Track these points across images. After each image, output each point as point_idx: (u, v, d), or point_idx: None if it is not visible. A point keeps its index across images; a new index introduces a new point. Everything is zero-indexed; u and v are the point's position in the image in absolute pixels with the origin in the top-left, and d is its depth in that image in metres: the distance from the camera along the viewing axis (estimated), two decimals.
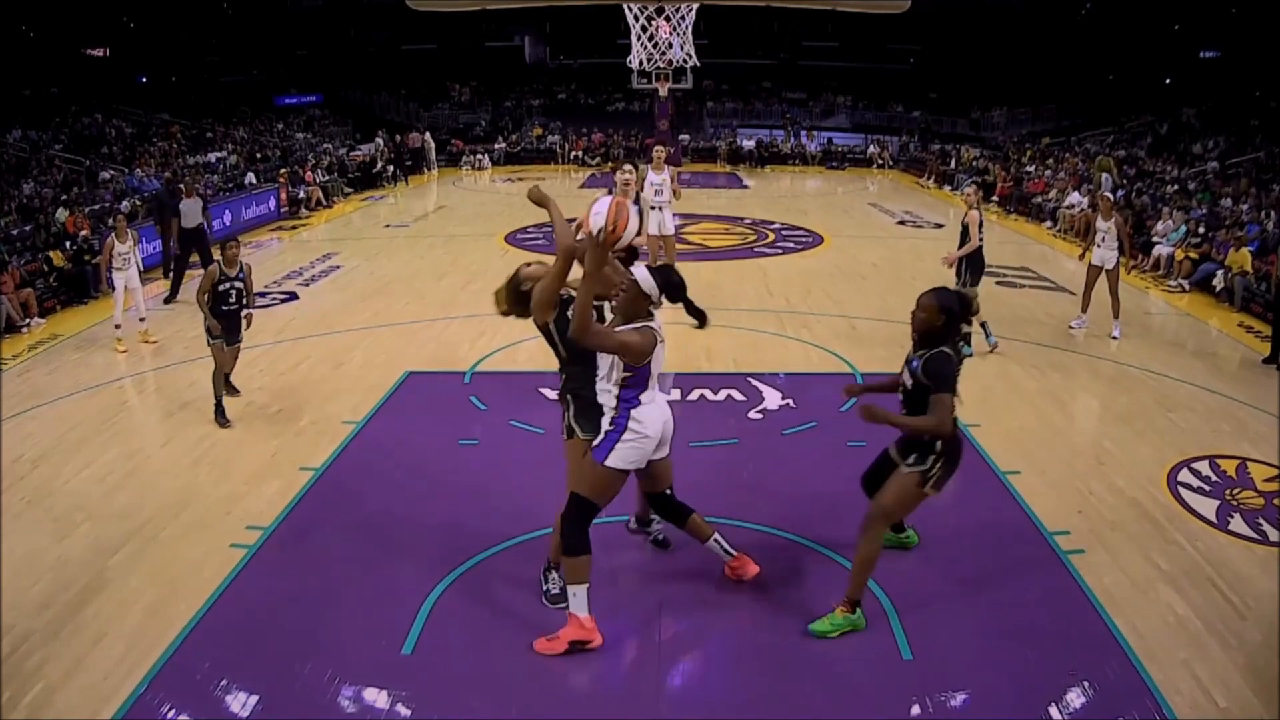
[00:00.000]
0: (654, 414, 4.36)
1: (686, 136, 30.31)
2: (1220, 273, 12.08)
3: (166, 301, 11.75)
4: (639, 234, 9.26)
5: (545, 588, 4.84)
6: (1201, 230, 13.77)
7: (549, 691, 4.22)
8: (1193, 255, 13.14)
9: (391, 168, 24.89)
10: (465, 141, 29.58)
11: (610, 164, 24.96)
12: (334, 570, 5.18)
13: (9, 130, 17.97)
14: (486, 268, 13.04)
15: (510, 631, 4.57)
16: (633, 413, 4.29)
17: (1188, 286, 12.61)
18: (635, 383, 4.28)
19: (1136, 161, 20.07)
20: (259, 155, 22.38)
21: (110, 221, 12.28)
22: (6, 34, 21.70)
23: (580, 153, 29.40)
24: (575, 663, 4.36)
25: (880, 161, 28.89)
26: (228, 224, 16.43)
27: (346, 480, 6.37)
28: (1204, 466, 6.57)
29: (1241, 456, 6.72)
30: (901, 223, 18.33)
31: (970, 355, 8.95)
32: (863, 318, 10.51)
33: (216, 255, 7.69)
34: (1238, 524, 5.74)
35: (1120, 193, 17.10)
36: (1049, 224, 18.07)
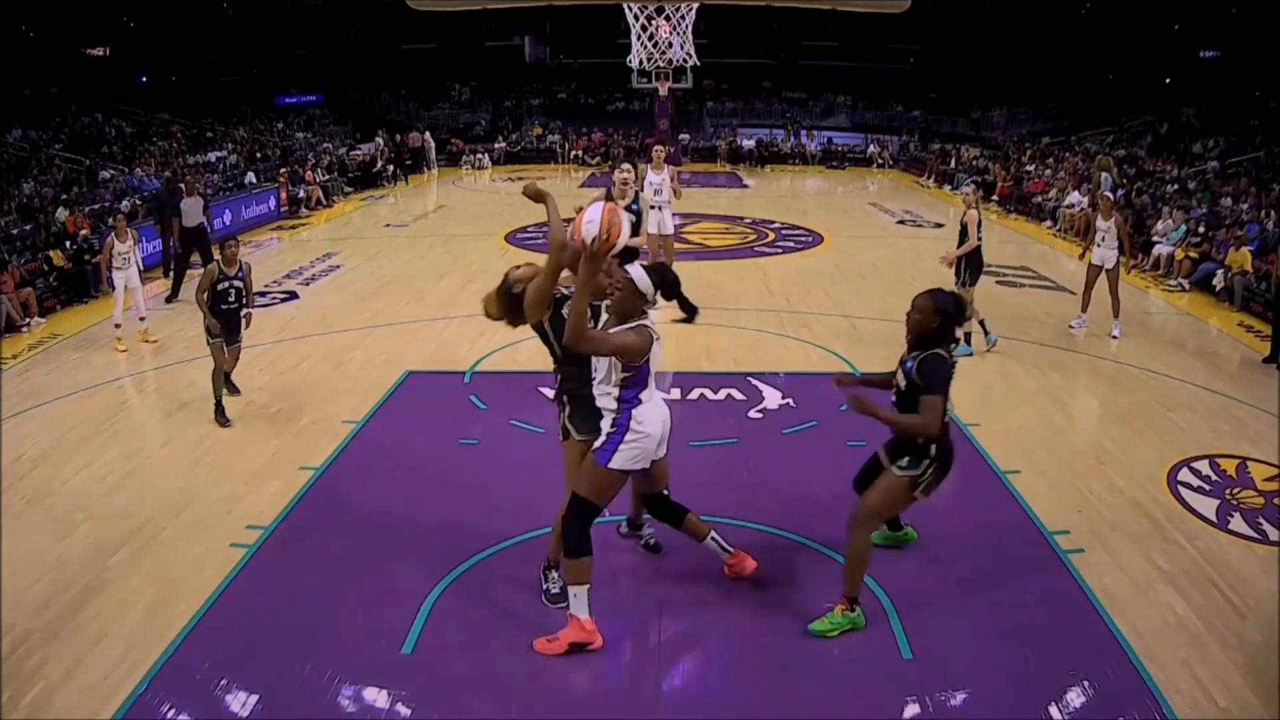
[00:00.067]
0: (654, 413, 4.36)
1: (686, 136, 30.32)
2: (1220, 272, 12.08)
3: (168, 301, 11.75)
4: (638, 234, 9.32)
5: (545, 587, 4.84)
6: (1201, 230, 13.77)
7: (549, 691, 4.22)
8: (1193, 255, 13.13)
9: (391, 167, 24.89)
10: (465, 141, 29.58)
11: (610, 163, 24.93)
12: (334, 570, 5.17)
13: (9, 130, 17.97)
14: (486, 267, 13.03)
15: (510, 631, 4.57)
16: (633, 412, 4.29)
17: (1188, 286, 12.61)
18: (635, 382, 4.28)
19: (1136, 161, 20.07)
20: (259, 155, 22.38)
21: (110, 221, 12.28)
22: (6, 34, 21.70)
23: (580, 152, 29.40)
24: (575, 663, 4.36)
25: (880, 161, 28.89)
26: (228, 223, 16.43)
27: (346, 480, 6.37)
28: (1204, 466, 6.57)
29: (1241, 456, 6.72)
30: (901, 222, 18.33)
31: (970, 354, 8.97)
32: (863, 317, 10.52)
33: (217, 255, 7.69)
34: (1238, 523, 5.74)
35: (1120, 192, 17.10)
36: (1049, 223, 18.08)
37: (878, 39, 30.69)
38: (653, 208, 10.47)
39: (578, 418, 4.51)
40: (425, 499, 6.04)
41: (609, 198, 9.07)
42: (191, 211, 12.68)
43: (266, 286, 12.20)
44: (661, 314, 4.45)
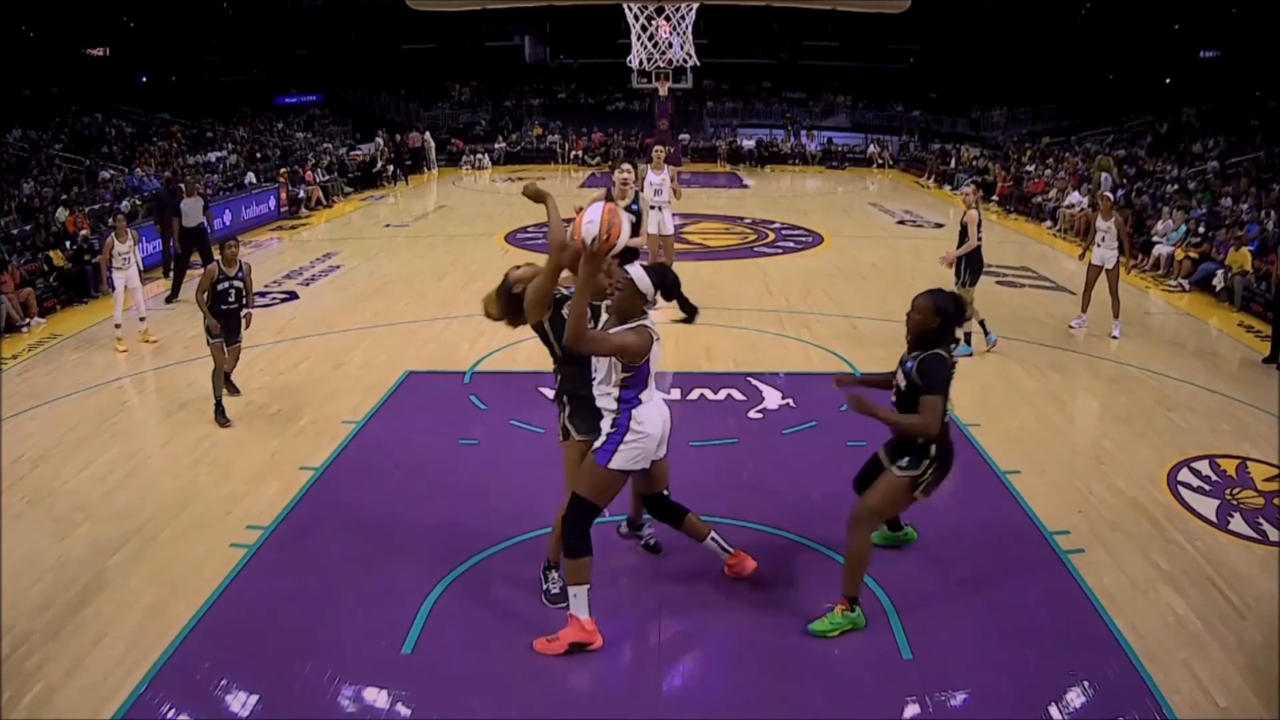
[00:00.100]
0: (654, 413, 4.36)
1: (686, 136, 30.32)
2: (1220, 272, 12.08)
3: (168, 301, 11.76)
4: (638, 234, 9.31)
5: (545, 587, 4.84)
6: (1201, 230, 13.77)
7: (549, 691, 4.22)
8: (1193, 255, 13.13)
9: (391, 167, 24.89)
10: (465, 141, 29.59)
11: (609, 164, 24.94)
12: (334, 570, 5.17)
13: (9, 130, 17.97)
14: (486, 267, 13.03)
15: (510, 631, 4.57)
16: (634, 412, 4.29)
17: (1188, 286, 12.61)
18: (635, 382, 4.28)
19: (1136, 161, 20.07)
20: (259, 155, 22.39)
21: (110, 221, 12.28)
22: (6, 34, 21.70)
23: (580, 152, 29.40)
24: (575, 663, 4.36)
25: (880, 161, 28.90)
26: (228, 224, 16.43)
27: (346, 480, 6.37)
28: (1204, 466, 6.57)
29: (1241, 456, 6.72)
30: (901, 222, 18.33)
31: (970, 354, 8.97)
32: (863, 318, 10.52)
33: (216, 255, 7.69)
34: (1238, 524, 5.74)
35: (1120, 192, 17.10)
36: (1049, 224, 18.08)
37: (878, 39, 30.69)
38: (653, 208, 10.47)
39: (578, 418, 4.50)
40: (425, 499, 6.04)
41: (609, 198, 9.08)
42: (192, 212, 12.68)
43: (266, 287, 12.20)
44: (661, 314, 4.45)
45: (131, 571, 5.20)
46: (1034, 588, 4.98)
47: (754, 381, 8.22)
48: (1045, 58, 27.63)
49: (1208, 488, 6.25)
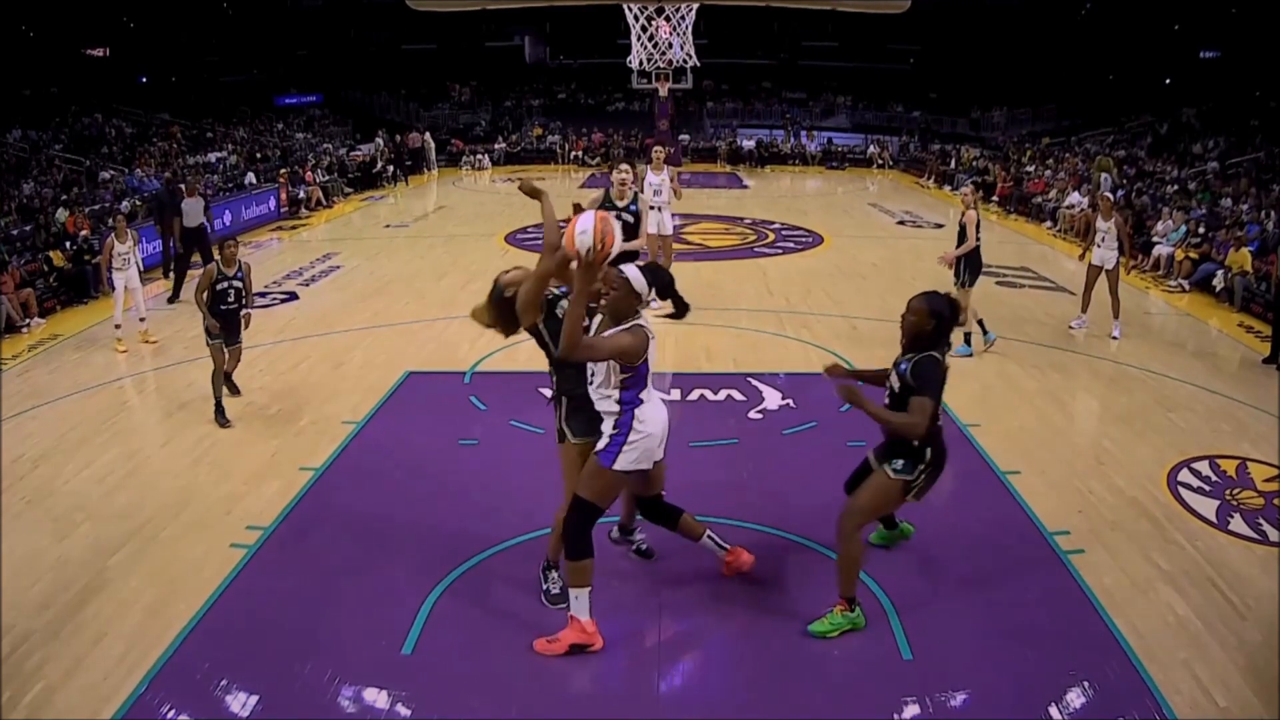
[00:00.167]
0: (655, 412, 4.36)
1: (686, 136, 30.32)
2: (1220, 273, 12.08)
3: (170, 301, 11.76)
4: (637, 235, 9.31)
5: (545, 587, 4.84)
6: (1201, 230, 13.77)
7: (549, 692, 4.22)
8: (1193, 255, 13.14)
9: (391, 168, 24.89)
10: (465, 141, 29.59)
11: (609, 164, 24.95)
12: (334, 570, 5.17)
13: (9, 130, 17.97)
14: (486, 268, 13.01)
15: (510, 632, 4.57)
16: (636, 412, 4.28)
17: (1188, 286, 12.61)
18: (634, 383, 4.28)
19: (1136, 161, 20.07)
20: (259, 155, 22.39)
21: (110, 221, 12.28)
22: (6, 34, 21.70)
23: (580, 153, 29.40)
24: (575, 663, 4.36)
25: (880, 161, 28.90)
26: (228, 224, 16.44)
27: (346, 480, 6.37)
28: (1204, 466, 6.57)
29: (1241, 456, 6.72)
30: (901, 223, 18.33)
31: (970, 354, 8.98)
32: (863, 318, 10.52)
33: (217, 255, 7.70)
34: (1238, 524, 5.74)
35: (1120, 193, 17.10)
36: (1049, 224, 18.08)
37: (878, 39, 30.68)
38: (652, 208, 10.46)
39: (574, 420, 4.50)
40: (425, 499, 6.04)
41: (607, 198, 9.09)
42: (192, 212, 12.70)
43: (266, 287, 12.20)
44: (652, 312, 4.43)
45: (131, 571, 5.21)
46: (1034, 588, 4.98)
47: (754, 382, 8.22)
48: (1045, 58, 27.63)
49: (1208, 488, 6.25)
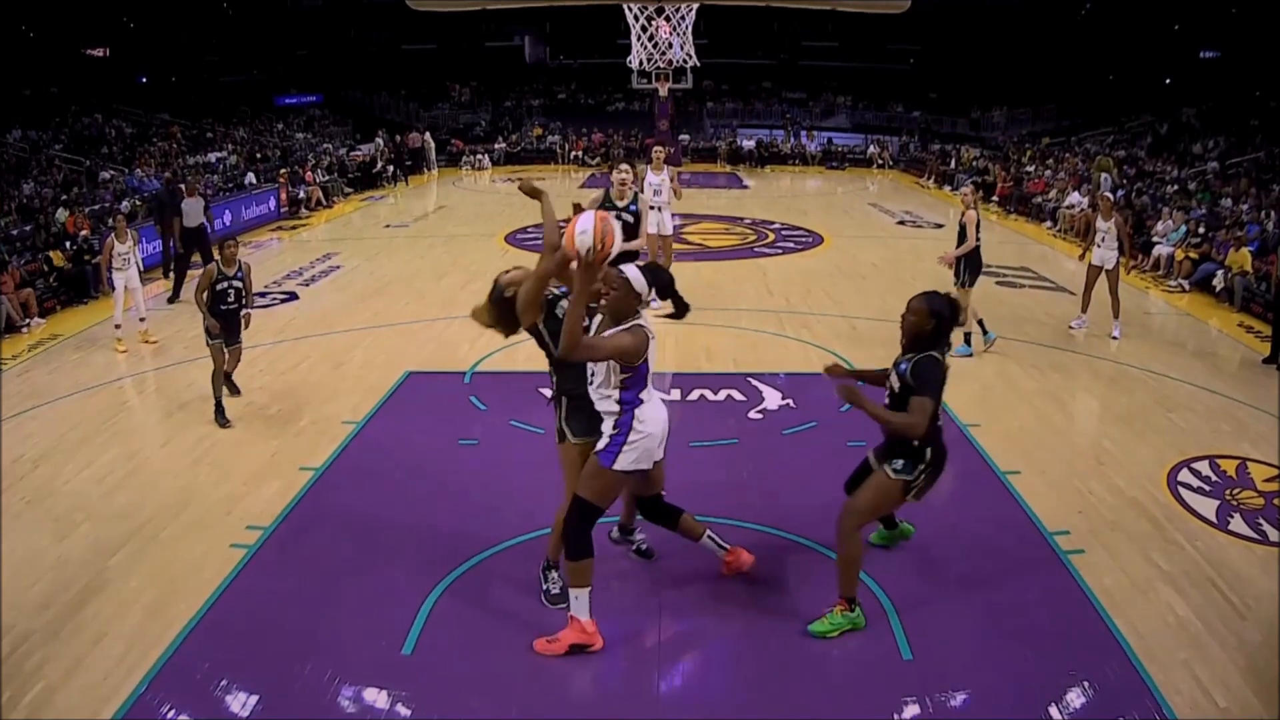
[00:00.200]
0: (655, 411, 4.36)
1: (686, 136, 30.32)
2: (1220, 273, 12.08)
3: (170, 301, 11.76)
4: (637, 236, 9.30)
5: (545, 587, 4.84)
6: (1201, 230, 13.77)
7: (549, 692, 4.22)
8: (1193, 255, 13.13)
9: (391, 168, 24.89)
10: (465, 141, 29.59)
11: (609, 164, 24.96)
12: (334, 570, 5.17)
13: (9, 130, 17.97)
14: (486, 268, 13.01)
15: (510, 632, 4.57)
16: (636, 412, 4.28)
17: (1188, 286, 12.61)
18: (634, 382, 4.27)
19: (1136, 161, 20.07)
20: (259, 155, 22.39)
21: (110, 221, 12.28)
22: (6, 34, 21.70)
23: (580, 153, 29.40)
24: (575, 663, 4.36)
25: (880, 161, 28.90)
26: (228, 224, 16.44)
27: (346, 480, 6.37)
28: (1204, 466, 6.57)
29: (1241, 456, 6.72)
30: (901, 223, 18.33)
31: (970, 354, 8.98)
32: (863, 318, 10.52)
33: (217, 255, 7.70)
34: (1238, 524, 5.74)
35: (1120, 193, 17.10)
36: (1049, 224, 18.08)
37: (878, 39, 30.69)
38: (652, 208, 10.46)
39: (574, 420, 4.50)
40: (425, 499, 6.04)
41: (607, 198, 9.08)
42: (193, 211, 12.71)
43: (266, 287, 12.20)
44: (652, 311, 4.43)
45: (131, 571, 5.21)
46: (1034, 588, 4.98)
47: (754, 382, 8.22)
48: (1045, 58, 27.63)
49: (1208, 488, 6.25)
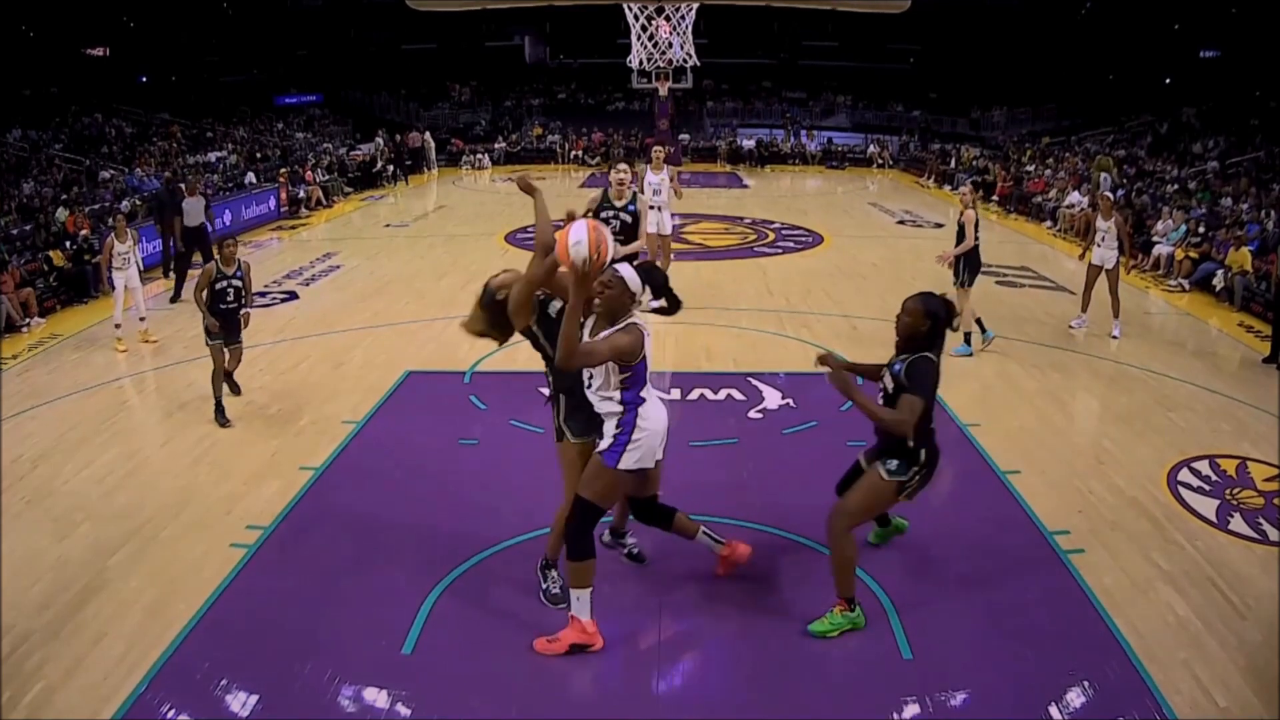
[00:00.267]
0: (656, 410, 4.36)
1: (686, 136, 30.33)
2: (1220, 272, 12.08)
3: (172, 301, 11.76)
4: (636, 237, 9.29)
5: (544, 587, 4.84)
6: (1201, 230, 13.77)
7: (549, 692, 4.22)
8: (1193, 255, 13.13)
9: (391, 167, 24.89)
10: (465, 141, 29.59)
11: (609, 163, 24.98)
12: (334, 570, 5.17)
13: (9, 130, 17.97)
14: (486, 268, 12.86)
15: (510, 632, 4.57)
16: (639, 410, 4.28)
17: (1188, 286, 12.61)
18: (634, 382, 4.27)
19: (1136, 161, 20.07)
20: (259, 155, 22.39)
21: (110, 221, 12.28)
22: (6, 34, 21.70)
23: (580, 152, 29.41)
24: (575, 663, 4.36)
25: (880, 161, 28.90)
26: (228, 223, 16.43)
27: (346, 480, 6.37)
28: (1204, 466, 6.57)
29: (1241, 456, 6.72)
30: (901, 222, 18.33)
31: (970, 354, 8.98)
32: (863, 318, 10.52)
33: (216, 254, 7.70)
34: (1238, 524, 5.74)
35: (1120, 192, 17.11)
36: (1049, 224, 18.08)
37: (878, 39, 30.69)
38: (652, 208, 10.46)
39: (573, 420, 4.49)
40: (425, 499, 6.04)
41: (606, 198, 9.07)
42: (193, 211, 12.71)
43: (266, 287, 12.20)
44: (643, 307, 4.43)
45: (131, 571, 5.21)
46: (1034, 588, 4.98)
47: (754, 381, 8.22)
48: (1045, 58, 27.63)
49: (1208, 488, 6.25)
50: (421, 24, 28.65)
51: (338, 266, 13.84)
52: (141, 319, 10.02)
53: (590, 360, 4.17)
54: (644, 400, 4.29)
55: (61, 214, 14.06)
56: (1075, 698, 4.15)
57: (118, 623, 4.71)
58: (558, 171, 27.91)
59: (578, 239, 3.92)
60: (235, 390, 7.91)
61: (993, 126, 28.73)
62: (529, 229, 16.25)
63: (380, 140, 26.28)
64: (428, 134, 27.77)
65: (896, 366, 4.40)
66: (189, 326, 10.02)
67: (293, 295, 12.00)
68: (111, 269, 9.82)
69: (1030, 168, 22.12)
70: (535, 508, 5.45)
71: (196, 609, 4.79)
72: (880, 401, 4.50)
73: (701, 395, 7.94)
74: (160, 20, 26.07)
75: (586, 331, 4.29)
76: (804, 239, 15.95)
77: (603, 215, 8.87)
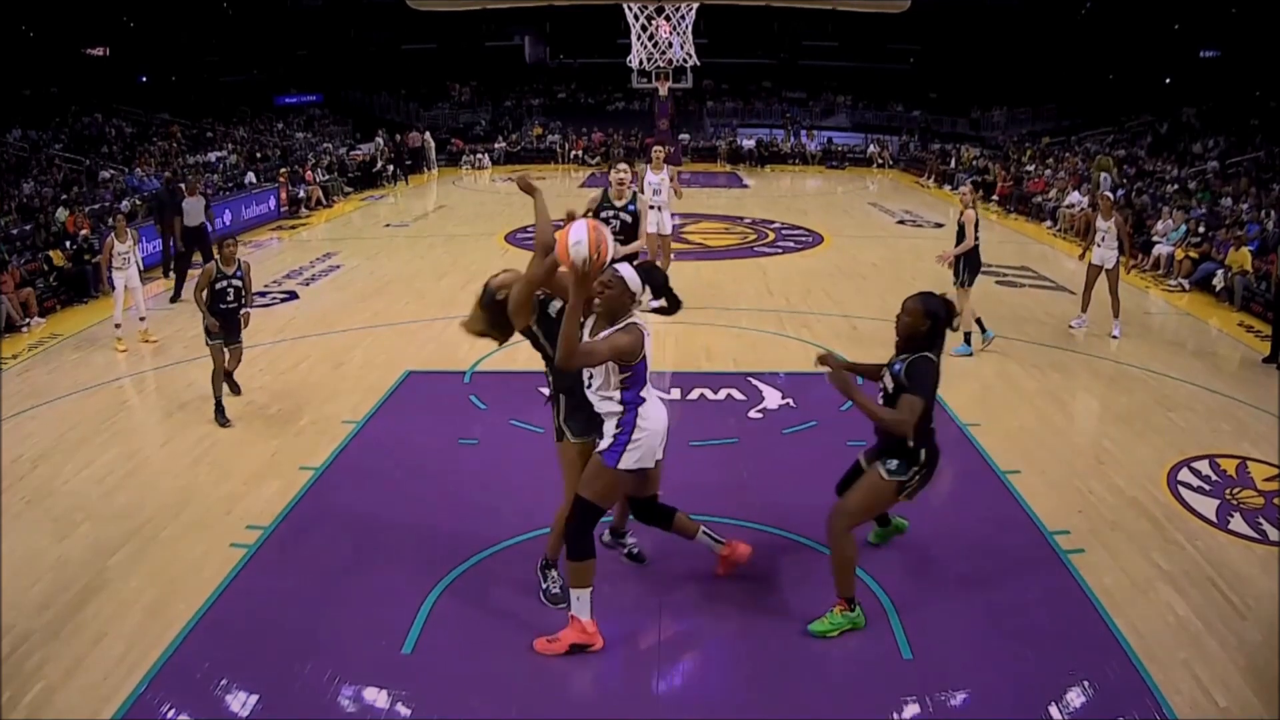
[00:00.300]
0: (657, 410, 4.36)
1: (686, 136, 30.33)
2: (1220, 272, 12.08)
3: (173, 301, 11.76)
4: (636, 237, 9.28)
5: (544, 586, 4.84)
6: (1201, 230, 13.77)
7: (549, 692, 4.22)
8: (1193, 255, 13.13)
9: (391, 167, 24.89)
10: (465, 141, 29.59)
11: (608, 163, 24.97)
12: (334, 570, 5.17)
13: (9, 130, 17.97)
14: (486, 267, 12.86)
15: (510, 632, 4.57)
16: (639, 410, 4.28)
17: (1188, 286, 12.61)
18: (634, 381, 4.26)
19: (1136, 161, 20.07)
20: (259, 155, 22.38)
21: (110, 221, 12.28)
22: (6, 34, 21.70)
23: (580, 152, 29.41)
24: (575, 663, 4.36)
25: (880, 161, 28.90)
26: (228, 223, 16.43)
27: (346, 480, 6.37)
28: (1204, 466, 6.57)
29: (1241, 456, 6.72)
30: (901, 222, 18.33)
31: (970, 354, 8.98)
32: (863, 318, 10.51)
33: (216, 254, 7.70)
34: (1238, 523, 5.74)
35: (1120, 192, 17.10)
36: (1049, 223, 18.08)
37: (878, 39, 30.69)
38: (652, 207, 10.45)
39: (573, 419, 4.49)
40: (425, 499, 6.04)
41: (605, 198, 9.07)
42: (194, 211, 12.71)
43: (266, 286, 12.20)
44: (643, 306, 4.43)
45: (131, 571, 5.21)
46: (1034, 588, 4.98)
47: (754, 381, 8.22)
48: (1045, 58, 27.63)
49: (1208, 488, 6.25)
50: (421, 24, 28.65)
51: (338, 266, 13.84)
52: (141, 319, 10.02)
53: (590, 360, 4.17)
54: (644, 400, 4.29)
55: (61, 214, 14.06)
56: (1075, 698, 4.15)
57: (118, 623, 4.71)
58: (558, 171, 27.91)
59: (577, 239, 3.92)
60: (235, 390, 7.91)
61: (993, 126, 28.73)
62: (529, 229, 16.25)
63: (380, 140, 26.28)
64: (428, 134, 27.77)
65: (896, 366, 4.40)
66: (189, 326, 10.02)
67: (293, 295, 12.00)
68: (111, 269, 9.83)
69: (1030, 168, 22.12)
70: (535, 508, 5.45)
71: (196, 609, 4.79)
72: (880, 401, 4.50)
73: (701, 395, 7.94)
74: (160, 20, 26.07)
75: (586, 331, 4.29)
76: (804, 239, 15.95)
77: (603, 215, 8.86)
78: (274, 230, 18.00)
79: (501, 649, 4.45)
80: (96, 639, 4.58)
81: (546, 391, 4.63)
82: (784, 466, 6.58)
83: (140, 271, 9.91)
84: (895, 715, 4.05)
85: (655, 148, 11.75)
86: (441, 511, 5.85)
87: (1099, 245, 9.89)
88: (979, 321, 9.17)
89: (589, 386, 4.34)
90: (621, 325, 4.21)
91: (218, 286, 7.47)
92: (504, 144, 29.85)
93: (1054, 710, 4.06)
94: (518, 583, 4.96)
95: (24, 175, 15.93)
